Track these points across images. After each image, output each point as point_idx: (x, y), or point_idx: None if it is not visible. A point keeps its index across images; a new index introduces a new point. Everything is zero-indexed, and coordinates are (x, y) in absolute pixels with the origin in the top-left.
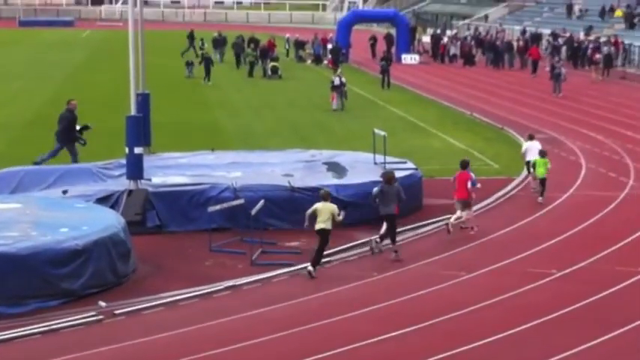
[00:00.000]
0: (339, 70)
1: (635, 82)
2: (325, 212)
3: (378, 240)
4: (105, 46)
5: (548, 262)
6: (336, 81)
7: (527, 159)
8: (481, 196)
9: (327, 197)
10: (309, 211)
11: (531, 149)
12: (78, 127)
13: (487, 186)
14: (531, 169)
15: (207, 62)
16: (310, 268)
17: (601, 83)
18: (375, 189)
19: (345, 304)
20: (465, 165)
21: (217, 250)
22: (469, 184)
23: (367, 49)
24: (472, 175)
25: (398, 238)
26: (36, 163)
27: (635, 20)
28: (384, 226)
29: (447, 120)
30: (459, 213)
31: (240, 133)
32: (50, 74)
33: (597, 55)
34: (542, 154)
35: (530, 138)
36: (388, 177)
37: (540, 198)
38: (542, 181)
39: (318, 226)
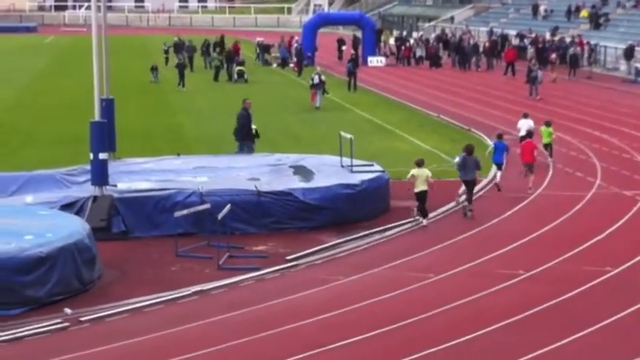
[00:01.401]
0: (318, 69)
1: (601, 81)
2: (421, 176)
3: (467, 204)
4: (69, 52)
5: (515, 263)
6: (316, 79)
7: (521, 134)
8: (448, 197)
9: (421, 164)
10: (408, 176)
11: (524, 126)
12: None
13: (454, 188)
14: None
15: (182, 68)
16: (424, 222)
17: (567, 83)
18: (457, 158)
19: (311, 308)
20: (530, 135)
21: (184, 255)
22: (535, 152)
23: (333, 52)
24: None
25: (365, 240)
26: None
27: (601, 20)
28: (464, 189)
29: (414, 122)
30: (531, 177)
31: (206, 138)
32: (13, 80)
33: (553, 55)
34: (548, 123)
35: (525, 116)
36: (470, 148)
37: (550, 159)
38: (548, 146)
39: (418, 188)
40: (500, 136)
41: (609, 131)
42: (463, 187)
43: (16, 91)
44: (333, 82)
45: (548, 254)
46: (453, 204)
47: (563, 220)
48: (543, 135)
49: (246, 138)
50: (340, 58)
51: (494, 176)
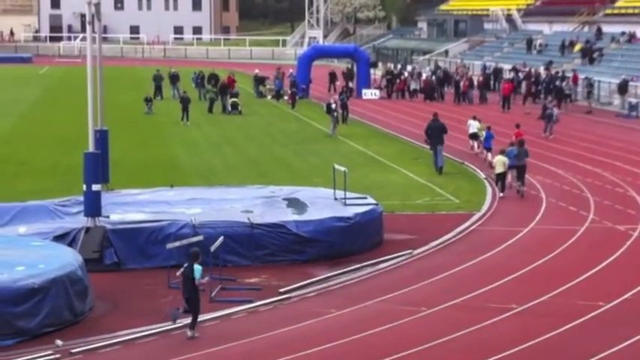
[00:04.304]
0: (336, 97)
1: (595, 116)
2: (500, 163)
3: (519, 185)
4: (63, 82)
5: (508, 297)
6: (333, 105)
7: (470, 132)
8: (441, 231)
9: (502, 152)
10: (493, 162)
11: (472, 125)
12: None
13: (447, 221)
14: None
15: (185, 102)
16: (501, 194)
17: (560, 116)
18: (511, 149)
19: (304, 341)
20: (518, 126)
21: (176, 287)
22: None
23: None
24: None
25: (358, 274)
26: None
27: (595, 55)
28: (512, 175)
29: (408, 155)
30: None
31: (200, 170)
32: (7, 111)
33: (534, 88)
34: (474, 117)
35: (474, 118)
36: (521, 141)
37: (476, 149)
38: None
39: (498, 170)
40: (489, 127)
41: (602, 165)
42: (515, 173)
43: (12, 121)
44: (322, 113)
45: (541, 288)
46: (447, 237)
47: (556, 254)
48: (471, 127)
49: (440, 143)
50: (334, 90)
51: (485, 155)
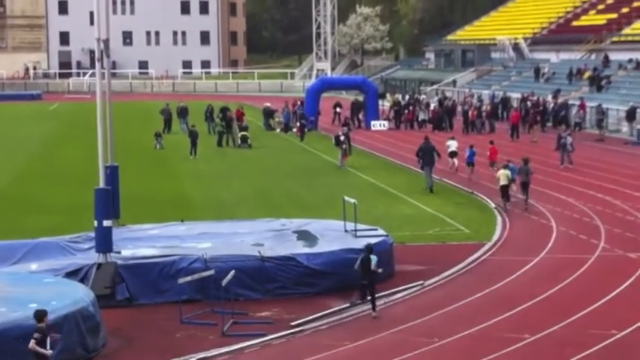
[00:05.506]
0: (344, 129)
1: (604, 143)
2: (503, 176)
3: (525, 200)
4: (73, 119)
5: (520, 327)
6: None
7: (449, 151)
8: (452, 261)
9: (506, 167)
10: (497, 176)
11: (451, 145)
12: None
13: (458, 251)
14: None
15: (194, 136)
16: (507, 205)
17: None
18: (519, 167)
19: None
20: (492, 142)
21: (188, 322)
22: (497, 155)
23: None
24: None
25: (369, 306)
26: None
27: (603, 83)
28: (521, 189)
29: (417, 185)
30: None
31: (210, 204)
32: (18, 148)
33: (538, 117)
34: (453, 138)
35: (452, 138)
36: (525, 160)
37: (455, 164)
38: (455, 154)
39: (501, 183)
40: (471, 146)
41: (612, 193)
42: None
43: (23, 159)
44: (331, 145)
45: (553, 318)
46: (458, 267)
47: (567, 283)
48: (450, 146)
49: (431, 164)
50: (338, 121)
51: (469, 172)
